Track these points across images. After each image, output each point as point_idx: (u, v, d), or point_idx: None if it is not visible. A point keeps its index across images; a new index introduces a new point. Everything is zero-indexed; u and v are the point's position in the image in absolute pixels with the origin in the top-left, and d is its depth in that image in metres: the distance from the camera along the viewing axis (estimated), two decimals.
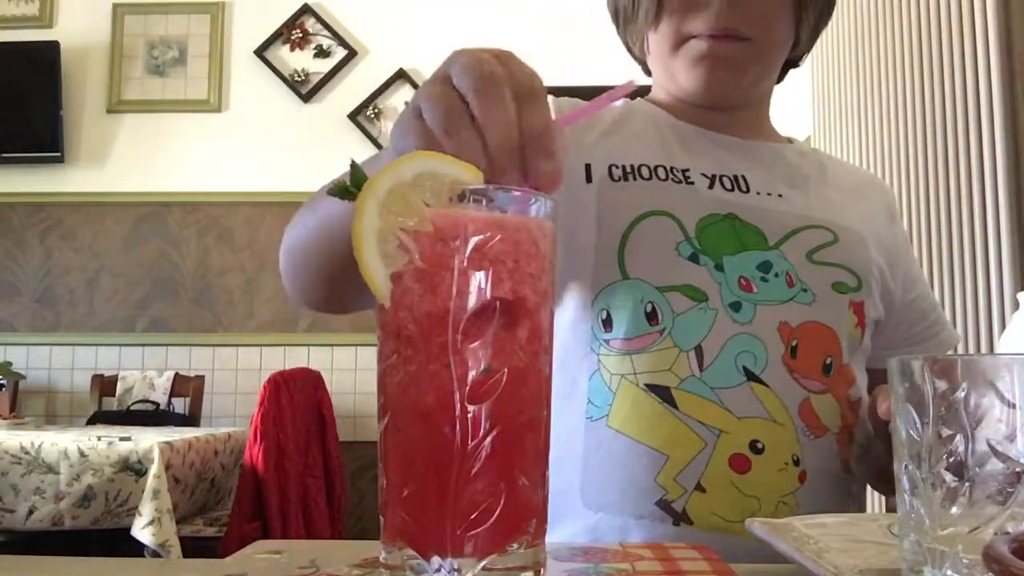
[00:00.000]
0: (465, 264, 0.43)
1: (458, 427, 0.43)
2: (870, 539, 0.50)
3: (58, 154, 3.71)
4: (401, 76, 3.76)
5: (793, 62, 0.91)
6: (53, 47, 3.72)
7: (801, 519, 0.54)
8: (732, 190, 0.80)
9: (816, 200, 0.83)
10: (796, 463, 0.72)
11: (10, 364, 3.47)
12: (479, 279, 0.43)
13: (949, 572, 0.37)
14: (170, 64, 3.82)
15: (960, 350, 1.65)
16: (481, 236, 0.43)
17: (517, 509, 0.44)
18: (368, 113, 3.75)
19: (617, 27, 0.89)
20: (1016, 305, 1.33)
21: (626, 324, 0.74)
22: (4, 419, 3.06)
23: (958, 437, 0.37)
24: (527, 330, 0.45)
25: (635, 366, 0.73)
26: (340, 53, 3.80)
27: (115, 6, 3.83)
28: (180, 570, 0.58)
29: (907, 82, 1.89)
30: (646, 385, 0.72)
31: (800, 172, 0.85)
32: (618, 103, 0.85)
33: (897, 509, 0.41)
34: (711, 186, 0.80)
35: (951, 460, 0.37)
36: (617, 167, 0.80)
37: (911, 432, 0.39)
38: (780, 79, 0.92)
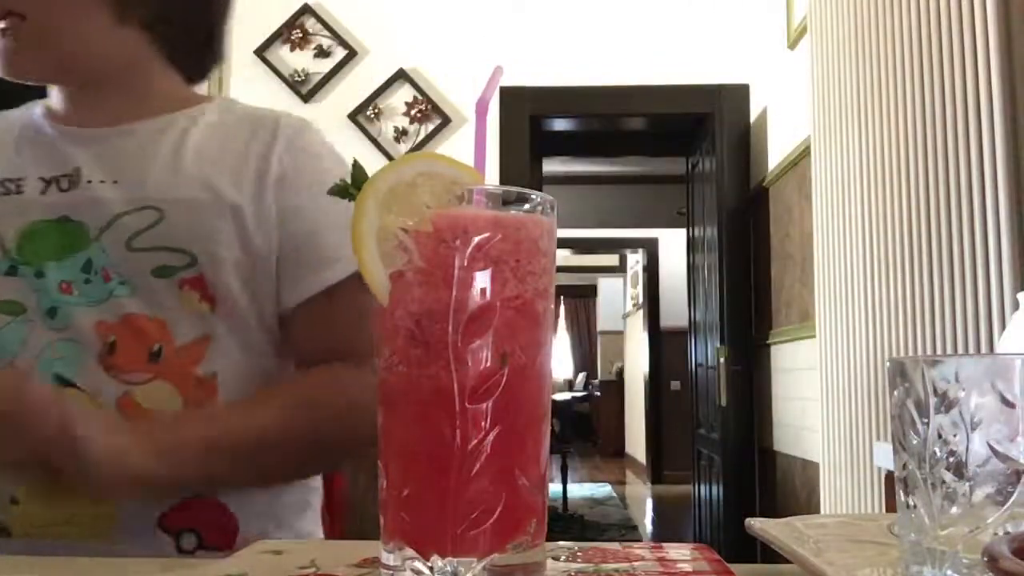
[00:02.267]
0: (465, 264, 0.43)
1: (458, 427, 0.43)
2: (870, 539, 0.50)
3: None
4: (401, 76, 3.76)
5: (208, 39, 0.91)
6: None
7: (801, 519, 0.54)
8: (68, 189, 0.79)
9: (156, 176, 0.80)
10: None
11: None
12: (479, 279, 0.43)
13: (949, 572, 0.37)
14: None
15: (960, 350, 1.65)
16: (481, 236, 0.43)
17: (517, 509, 0.44)
18: (368, 113, 3.75)
19: None
20: (1016, 305, 1.33)
21: None
22: None
23: (958, 437, 0.37)
24: (527, 330, 0.45)
25: None
26: (340, 53, 3.80)
27: None
28: (180, 570, 0.58)
29: (907, 82, 1.89)
30: None
31: (148, 150, 0.82)
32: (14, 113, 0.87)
33: (897, 509, 0.41)
34: (44, 190, 0.79)
35: (951, 460, 0.37)
36: None
37: (911, 432, 0.39)
38: (204, 62, 0.93)
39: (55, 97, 0.87)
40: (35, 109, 0.88)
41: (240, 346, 0.82)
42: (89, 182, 0.79)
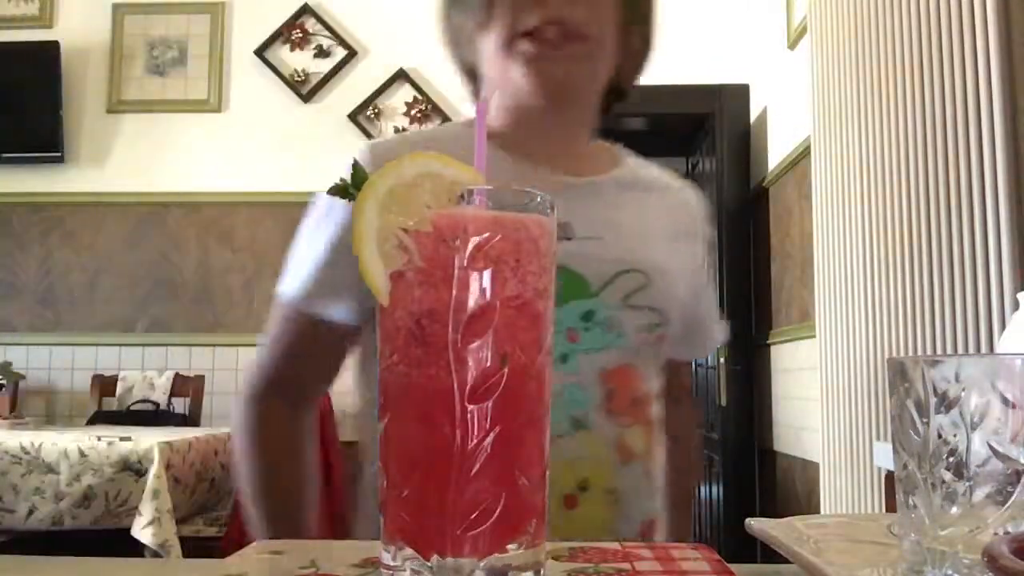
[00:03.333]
0: (465, 264, 0.43)
1: (458, 427, 0.43)
2: (870, 539, 0.50)
3: (58, 154, 3.71)
4: (401, 76, 3.76)
5: (621, 93, 0.93)
6: (53, 47, 3.72)
7: (801, 519, 0.54)
8: (560, 239, 0.85)
9: (632, 239, 0.88)
10: (611, 492, 0.82)
11: (10, 364, 3.47)
12: (479, 279, 0.43)
13: (949, 572, 0.37)
14: (170, 64, 3.82)
15: (960, 350, 1.65)
16: (481, 236, 0.43)
17: (517, 509, 0.44)
18: (368, 113, 3.75)
19: (452, 51, 0.94)
20: (1016, 305, 1.33)
21: None
22: (4, 419, 3.06)
23: (958, 437, 0.37)
24: (527, 329, 0.45)
25: None
26: (340, 53, 3.80)
27: (115, 6, 3.83)
28: (180, 570, 0.58)
29: (907, 82, 1.89)
30: None
31: (618, 209, 0.89)
32: (452, 131, 0.92)
33: (897, 509, 0.41)
34: None
35: (951, 460, 0.37)
36: None
37: (911, 432, 0.39)
38: (609, 109, 0.94)
39: (502, 121, 0.89)
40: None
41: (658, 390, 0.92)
42: (580, 238, 0.84)
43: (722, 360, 3.46)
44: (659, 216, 0.93)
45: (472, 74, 0.93)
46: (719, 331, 1.05)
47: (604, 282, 0.84)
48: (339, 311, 0.87)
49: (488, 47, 0.85)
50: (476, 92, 0.93)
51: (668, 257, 0.90)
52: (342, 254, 0.91)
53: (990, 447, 0.36)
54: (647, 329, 0.86)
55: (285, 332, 0.91)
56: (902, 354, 1.84)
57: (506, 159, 0.86)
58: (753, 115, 3.48)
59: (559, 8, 0.79)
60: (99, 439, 2.51)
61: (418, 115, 3.74)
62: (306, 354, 0.91)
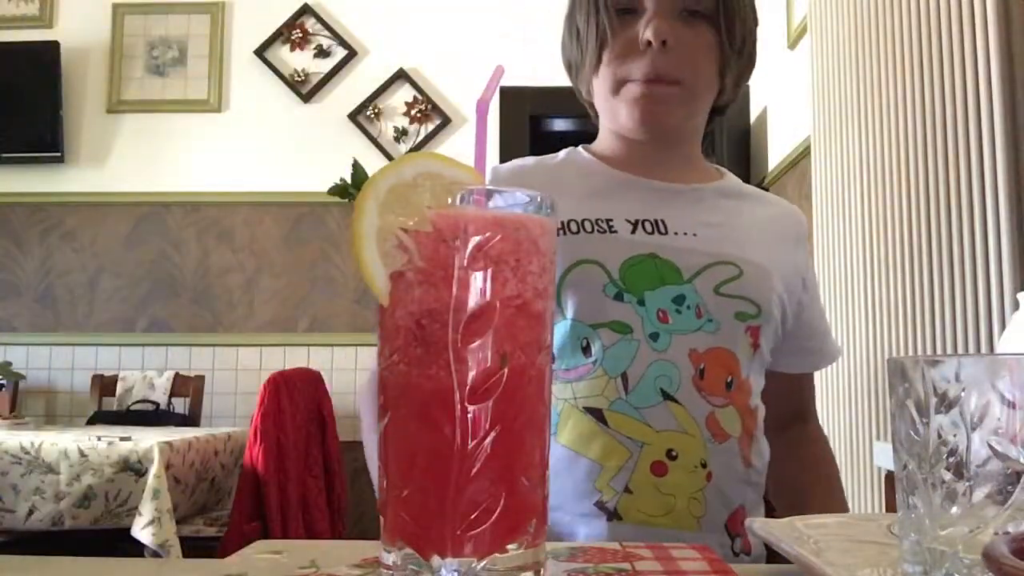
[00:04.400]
0: (465, 264, 0.43)
1: (458, 427, 0.43)
2: (870, 539, 0.50)
3: (58, 154, 3.71)
4: (401, 76, 3.76)
5: (720, 109, 1.02)
6: (53, 47, 3.72)
7: (801, 519, 0.54)
8: (652, 233, 0.92)
9: (727, 238, 0.95)
10: (703, 466, 0.86)
11: (10, 364, 3.47)
12: (479, 279, 0.43)
13: (949, 572, 0.37)
14: (170, 64, 3.82)
15: (960, 350, 1.65)
16: (481, 236, 0.43)
17: (517, 509, 0.44)
18: (368, 113, 3.75)
19: (570, 77, 1.03)
20: (1016, 305, 1.33)
21: (566, 357, 0.88)
22: (4, 419, 3.05)
23: (958, 437, 0.37)
24: (527, 329, 0.45)
25: (575, 392, 0.87)
26: (340, 53, 3.80)
27: (115, 6, 3.83)
28: (180, 570, 0.58)
29: (907, 82, 1.89)
30: (584, 408, 0.86)
31: (716, 212, 0.97)
32: (558, 157, 1.02)
33: (897, 509, 0.41)
34: (634, 230, 0.92)
35: (951, 460, 0.37)
36: (561, 222, 0.92)
37: (911, 432, 0.39)
38: (709, 124, 1.03)
39: (611, 146, 1.00)
40: (581, 155, 1.01)
41: (759, 387, 0.97)
42: (675, 233, 0.92)
43: None
44: (757, 221, 0.99)
45: (590, 101, 1.02)
46: (832, 346, 1.08)
47: (695, 271, 0.90)
48: None
49: (599, 86, 0.96)
50: (595, 116, 1.03)
51: (763, 254, 0.95)
52: None
53: (990, 447, 0.36)
54: (740, 318, 0.91)
55: None
56: (902, 354, 1.84)
57: (617, 175, 0.97)
58: (753, 115, 3.48)
59: (657, 64, 0.90)
60: (99, 439, 2.51)
61: (418, 115, 3.74)
62: None
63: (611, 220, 0.92)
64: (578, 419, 0.86)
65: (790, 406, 1.05)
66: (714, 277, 0.91)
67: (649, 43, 0.89)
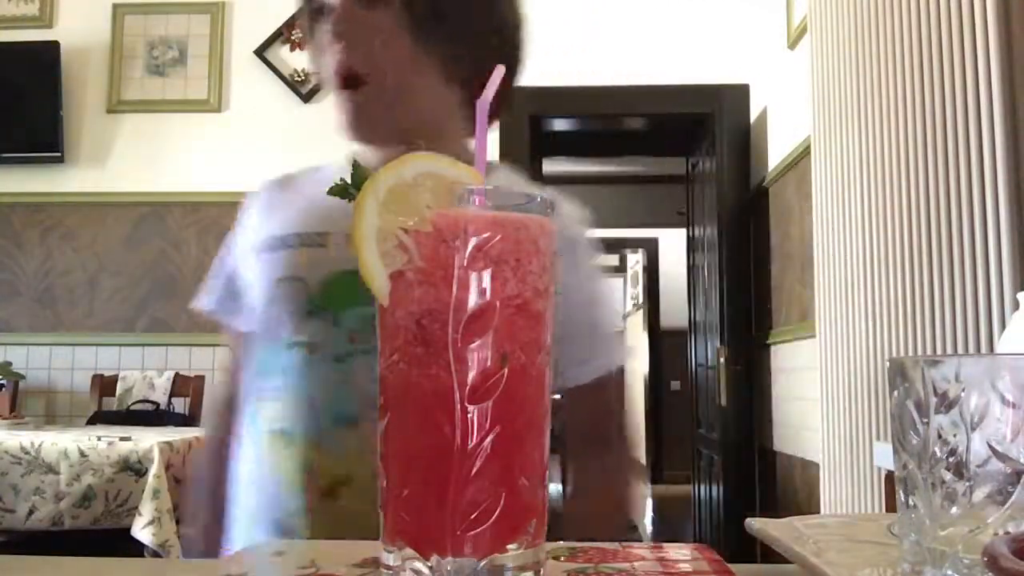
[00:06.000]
0: (465, 264, 0.43)
1: (458, 427, 0.43)
2: (870, 539, 0.50)
3: (58, 154, 3.71)
4: None
5: (503, 97, 0.92)
6: (53, 47, 3.72)
7: (801, 519, 0.54)
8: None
9: None
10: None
11: (10, 364, 3.47)
12: (479, 279, 0.43)
13: (949, 572, 0.37)
14: (170, 64, 3.82)
15: (960, 350, 1.65)
16: (481, 236, 0.43)
17: (517, 509, 0.44)
18: None
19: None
20: (1016, 305, 1.33)
21: (268, 377, 0.87)
22: (4, 419, 3.05)
23: (958, 437, 0.37)
24: (527, 329, 0.45)
25: (268, 413, 0.86)
26: None
27: (115, 6, 3.83)
28: (180, 570, 0.58)
29: (907, 82, 1.89)
30: (272, 430, 0.86)
31: None
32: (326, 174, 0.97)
33: (897, 509, 0.41)
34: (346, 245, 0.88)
35: (951, 460, 0.37)
36: (275, 237, 0.92)
37: (911, 432, 0.39)
38: (495, 117, 0.93)
39: (364, 158, 0.93)
40: (336, 166, 0.97)
41: None
42: None
43: (722, 360, 3.46)
44: None
45: None
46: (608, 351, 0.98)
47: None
48: (238, 320, 0.95)
49: None
50: None
51: None
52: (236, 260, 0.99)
53: (990, 447, 0.36)
54: None
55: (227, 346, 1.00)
56: (902, 354, 1.84)
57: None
58: (753, 115, 3.48)
59: (334, 60, 0.87)
60: (99, 439, 2.51)
61: None
62: (237, 367, 0.98)
63: (324, 235, 0.89)
64: (270, 441, 0.85)
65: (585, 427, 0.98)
66: None
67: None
